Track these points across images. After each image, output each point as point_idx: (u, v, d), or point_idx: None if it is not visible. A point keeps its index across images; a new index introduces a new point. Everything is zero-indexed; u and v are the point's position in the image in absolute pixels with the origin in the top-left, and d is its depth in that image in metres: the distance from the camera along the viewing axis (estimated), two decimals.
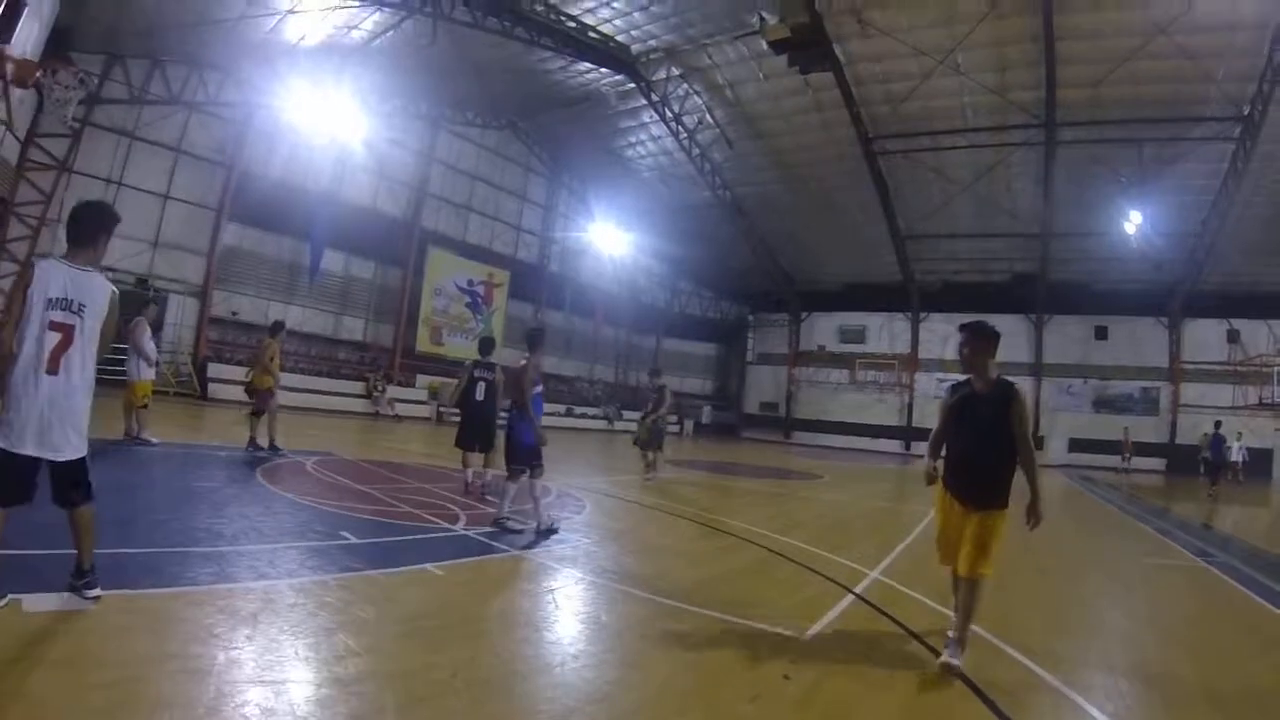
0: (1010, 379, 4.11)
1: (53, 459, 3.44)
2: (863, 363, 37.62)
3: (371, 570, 4.79)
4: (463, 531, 6.56)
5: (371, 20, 20.72)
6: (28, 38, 8.74)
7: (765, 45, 19.90)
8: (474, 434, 9.02)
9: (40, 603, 3.44)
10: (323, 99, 21.96)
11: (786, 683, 3.49)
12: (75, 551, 3.59)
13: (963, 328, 4.21)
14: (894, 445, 35.57)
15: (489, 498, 8.37)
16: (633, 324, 40.02)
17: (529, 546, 6.11)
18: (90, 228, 3.80)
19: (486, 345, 9.54)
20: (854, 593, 5.34)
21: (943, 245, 32.38)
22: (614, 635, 4.14)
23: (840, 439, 36.73)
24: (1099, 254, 29.92)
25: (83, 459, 3.58)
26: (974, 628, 3.97)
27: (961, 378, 4.22)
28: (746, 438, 39.16)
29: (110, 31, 18.94)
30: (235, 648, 3.27)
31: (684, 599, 4.75)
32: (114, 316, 3.71)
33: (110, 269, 20.23)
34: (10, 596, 3.41)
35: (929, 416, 34.19)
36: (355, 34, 21.32)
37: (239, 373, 18.90)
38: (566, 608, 4.64)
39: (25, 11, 8.56)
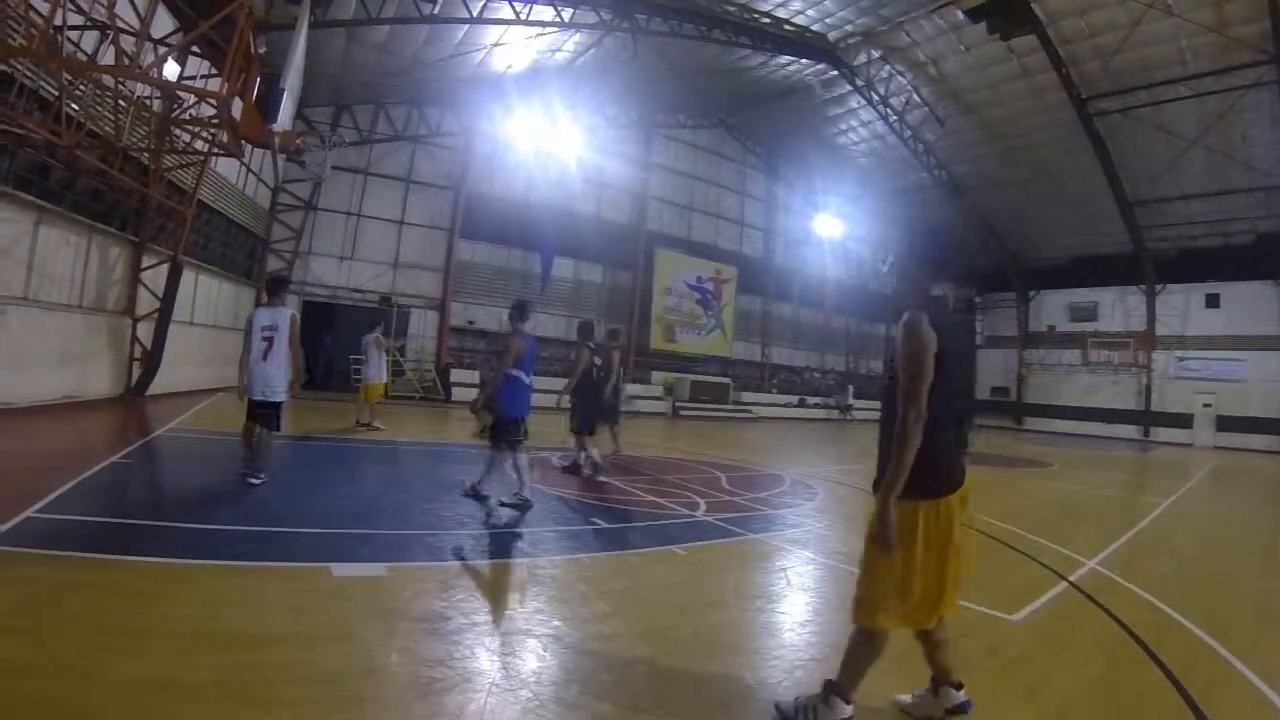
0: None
1: (264, 399, 7.02)
2: (1095, 342, 34.49)
3: (621, 551, 5.66)
4: (703, 517, 7.33)
5: (572, 41, 21.97)
6: (285, 112, 10.44)
7: (961, 15, 19.23)
8: (600, 414, 9.77)
9: (343, 569, 4.53)
10: (537, 119, 23.82)
11: (990, 657, 3.84)
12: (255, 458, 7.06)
13: None
14: (1130, 431, 32.62)
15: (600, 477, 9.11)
16: (861, 312, 39.34)
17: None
18: (277, 288, 7.66)
19: (590, 329, 10.04)
20: (1068, 580, 5.55)
21: (1174, 208, 29.09)
22: (838, 609, 4.48)
23: (1073, 425, 34.20)
24: None
25: (279, 403, 7.13)
26: (1180, 618, 3.97)
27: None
28: (977, 424, 37.45)
29: (337, 86, 21.74)
30: (510, 609, 4.18)
31: None
32: (296, 330, 7.18)
33: (358, 290, 23.55)
34: (322, 564, 4.58)
35: (1168, 399, 31.76)
36: (559, 56, 22.70)
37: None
38: (797, 584, 5.22)
39: (284, 95, 10.24)
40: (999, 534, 7.27)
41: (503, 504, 6.91)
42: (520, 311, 7.42)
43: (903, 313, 2.86)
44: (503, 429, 7.14)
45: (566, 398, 9.43)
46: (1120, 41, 21.01)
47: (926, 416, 2.74)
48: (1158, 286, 32.84)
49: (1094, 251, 33.75)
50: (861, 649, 2.95)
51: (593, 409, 9.69)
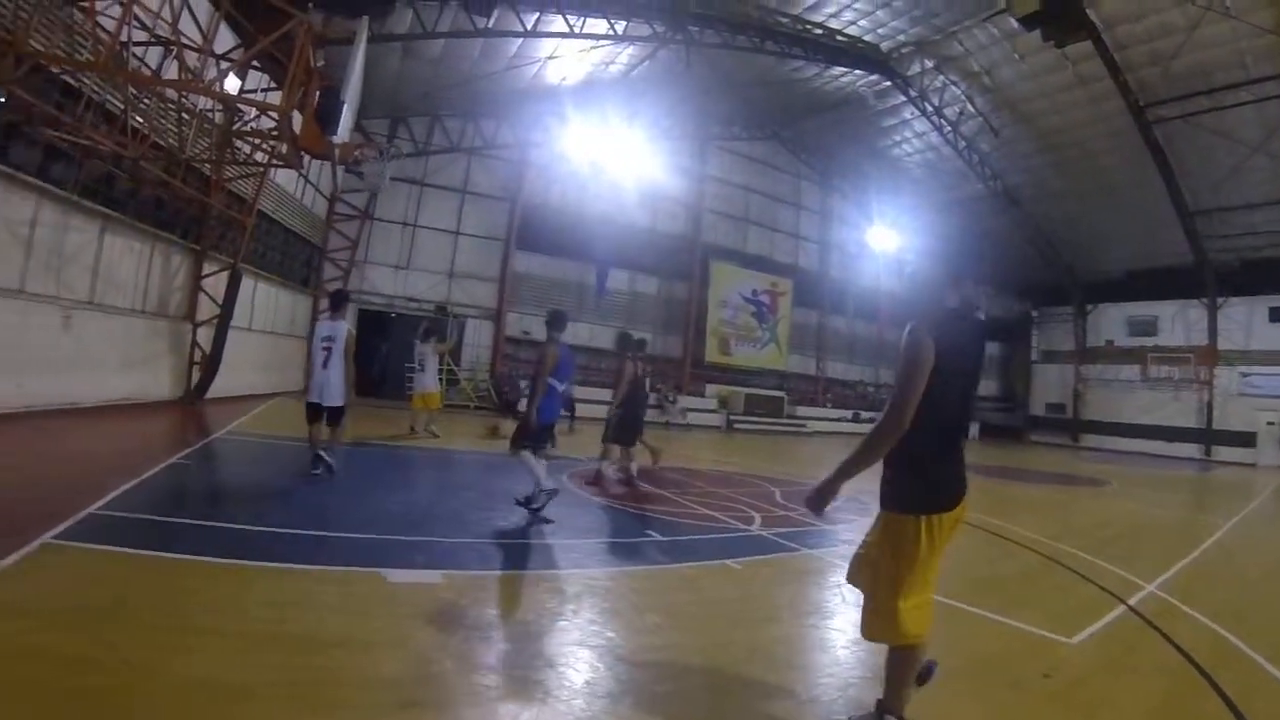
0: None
1: (326, 404, 7.83)
2: (1154, 357, 33.44)
3: (676, 564, 5.71)
4: (758, 532, 7.37)
5: (626, 54, 22.19)
6: (345, 125, 10.74)
7: (1015, 23, 18.96)
8: (640, 427, 9.88)
9: (399, 575, 4.64)
10: (592, 131, 24.07)
11: (1046, 680, 3.80)
12: (329, 442, 8.00)
13: None
14: (1191, 449, 31.44)
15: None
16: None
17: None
18: (338, 302, 8.41)
19: (630, 340, 10.34)
20: (1126, 604, 5.45)
21: (1237, 218, 27.97)
22: None
23: (1132, 442, 33.13)
24: None
25: (340, 407, 7.94)
26: (1242, 646, 3.87)
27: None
28: (1033, 441, 36.65)
29: (393, 98, 22.21)
30: (563, 619, 4.19)
31: (961, 599, 5.17)
32: (351, 343, 7.92)
33: (414, 299, 23.92)
34: (378, 569, 4.71)
35: (1231, 417, 30.73)
36: (613, 68, 22.96)
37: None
38: (852, 600, 5.17)
39: (344, 108, 10.54)
40: (1055, 554, 7.18)
41: (518, 503, 7.05)
42: (557, 321, 7.46)
43: (909, 322, 2.86)
44: (530, 434, 7.15)
45: (613, 410, 9.47)
46: (1178, 46, 20.40)
47: (915, 429, 2.76)
48: (1220, 299, 31.75)
49: (1153, 263, 32.76)
50: (901, 665, 2.97)
51: (632, 421, 9.76)
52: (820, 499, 2.92)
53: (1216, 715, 3.54)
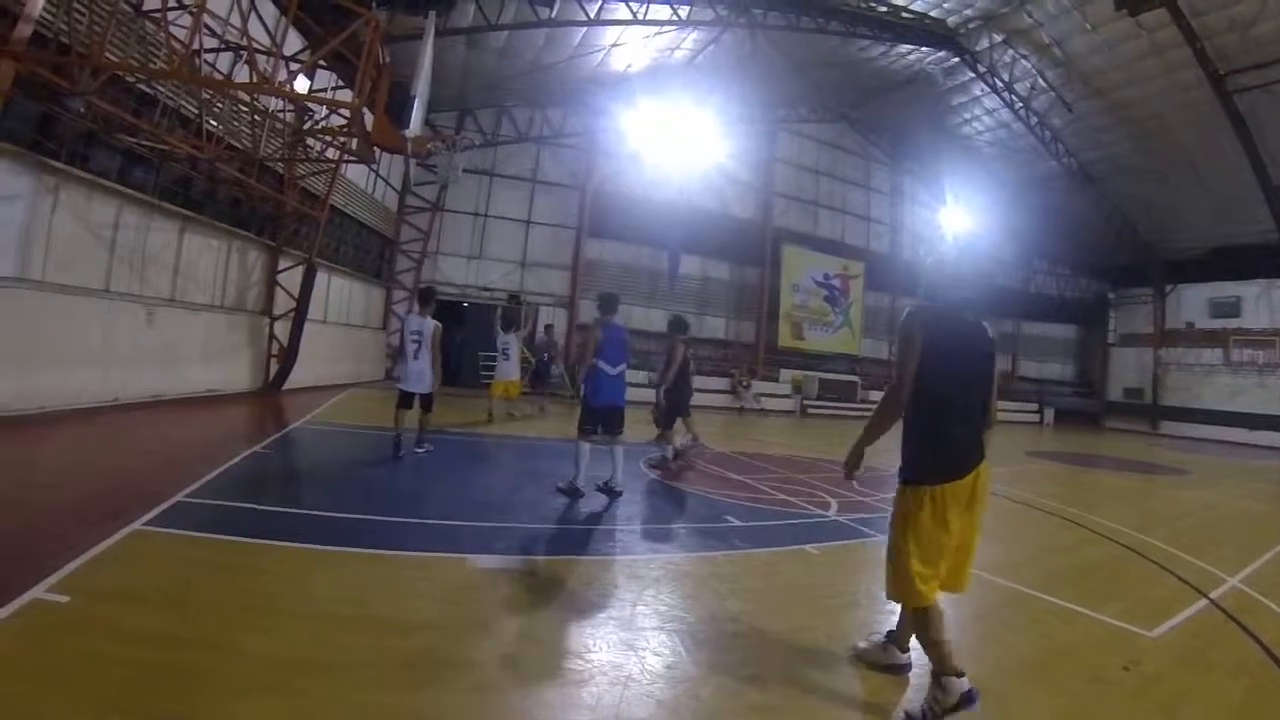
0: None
1: (419, 391, 8.79)
2: (1238, 340, 31.86)
3: (754, 549, 5.81)
4: (834, 517, 7.45)
5: (691, 39, 22.10)
6: (416, 119, 11.00)
7: None
8: (685, 409, 10.11)
9: (482, 561, 4.82)
10: (659, 117, 24.05)
11: (1125, 673, 3.80)
12: (422, 429, 9.08)
13: None
14: (1277, 438, 29.78)
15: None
16: (989, 308, 37.58)
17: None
18: (426, 299, 9.16)
19: (682, 325, 10.20)
20: (1208, 597, 5.39)
21: None
22: (974, 616, 4.61)
23: (1213, 429, 31.60)
24: None
25: (430, 394, 8.85)
26: None
27: None
28: (1109, 427, 35.44)
29: (459, 91, 22.50)
30: (643, 603, 4.29)
31: (1040, 588, 5.22)
32: (437, 336, 8.81)
33: (487, 288, 24.28)
34: (460, 555, 4.91)
35: None
36: (678, 54, 22.88)
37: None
38: None
39: (415, 102, 10.79)
40: (1136, 545, 7.09)
41: (598, 489, 7.29)
42: (606, 304, 7.64)
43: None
44: (583, 417, 7.39)
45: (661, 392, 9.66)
46: (1258, 11, 19.31)
47: (915, 409, 3.22)
48: None
49: (1236, 241, 31.17)
50: (927, 628, 3.20)
51: (677, 405, 9.97)
52: (850, 466, 3.52)
53: None
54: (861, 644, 3.80)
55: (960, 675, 3.10)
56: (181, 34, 10.29)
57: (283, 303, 15.88)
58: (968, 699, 3.04)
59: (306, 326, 15.95)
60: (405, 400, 8.80)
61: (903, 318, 3.28)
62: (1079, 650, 4.16)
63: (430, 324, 8.81)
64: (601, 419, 7.38)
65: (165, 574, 4.05)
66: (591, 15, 18.23)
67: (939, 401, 3.19)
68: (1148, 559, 6.54)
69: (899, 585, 3.25)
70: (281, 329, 15.80)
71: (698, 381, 12.58)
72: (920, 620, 3.22)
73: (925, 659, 3.30)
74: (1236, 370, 32.17)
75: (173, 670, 2.94)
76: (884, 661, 3.63)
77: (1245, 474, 17.55)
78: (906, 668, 3.58)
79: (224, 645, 3.21)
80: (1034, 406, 35.84)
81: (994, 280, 33.28)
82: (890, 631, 3.71)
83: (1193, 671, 3.97)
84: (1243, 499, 12.62)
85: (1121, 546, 6.99)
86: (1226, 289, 32.95)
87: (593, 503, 7.03)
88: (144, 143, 11.07)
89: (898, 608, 3.61)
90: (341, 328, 19.83)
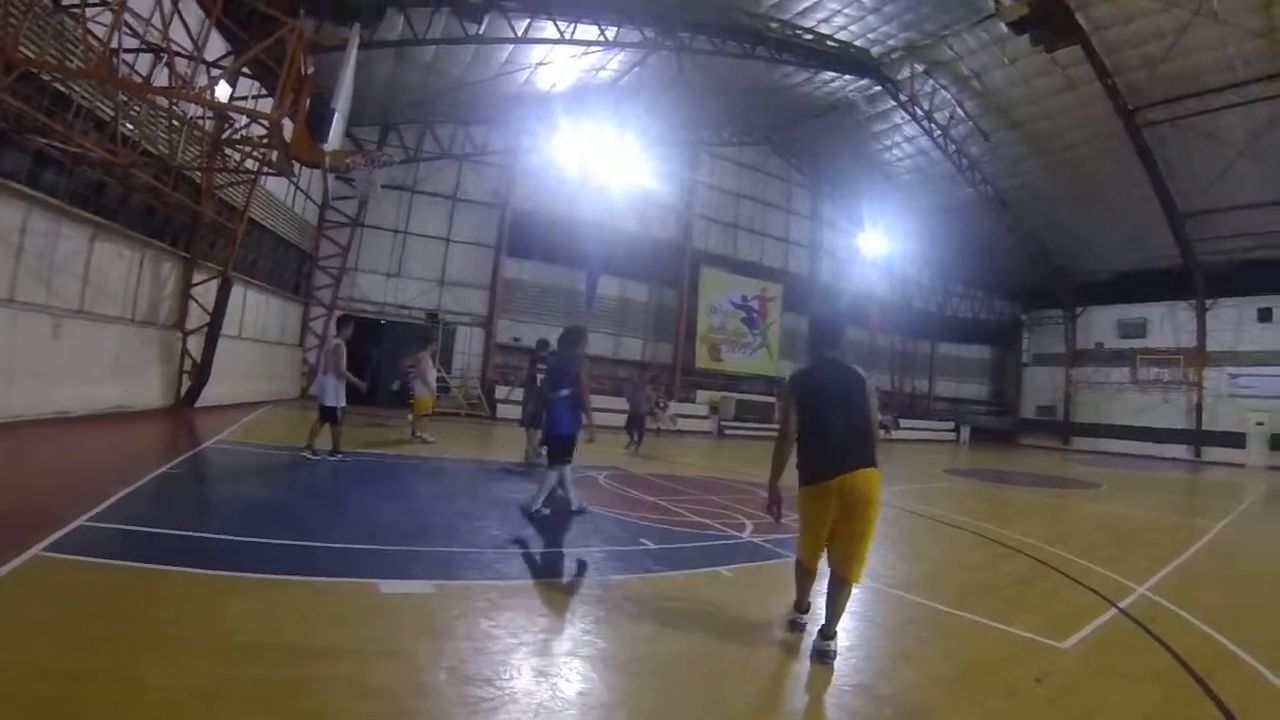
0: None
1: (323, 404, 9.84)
2: (1144, 359, 33.71)
3: (669, 571, 5.67)
4: (749, 538, 7.37)
5: (616, 60, 22.18)
6: (335, 132, 10.74)
7: (1005, 27, 19.12)
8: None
9: (392, 586, 4.60)
10: (582, 137, 24.08)
11: (1038, 685, 3.81)
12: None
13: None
14: (1181, 450, 31.75)
15: None
16: (906, 330, 38.81)
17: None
18: (340, 324, 10.13)
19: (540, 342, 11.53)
20: (1118, 607, 5.47)
21: (1225, 220, 28.15)
22: (887, 634, 4.66)
23: (1122, 444, 33.44)
24: None
25: (328, 406, 9.78)
26: (1236, 650, 3.97)
27: None
28: (1023, 444, 36.85)
29: (384, 105, 22.23)
30: (555, 629, 4.18)
31: (953, 604, 5.22)
32: (338, 353, 9.78)
33: (405, 307, 23.87)
34: (370, 580, 4.70)
35: (1220, 418, 31.03)
36: (603, 74, 22.93)
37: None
38: (846, 608, 5.22)
39: (335, 115, 10.53)
40: (1047, 558, 7.19)
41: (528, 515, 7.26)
42: (575, 339, 7.90)
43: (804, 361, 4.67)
44: (566, 445, 7.62)
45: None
46: (1166, 50, 20.53)
47: (800, 437, 4.26)
48: (1208, 301, 32.07)
49: (1143, 266, 33.05)
50: (802, 576, 4.51)
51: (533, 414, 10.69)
52: (773, 502, 4.41)
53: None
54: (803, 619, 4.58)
55: (804, 612, 4.54)
56: (100, 32, 9.87)
57: (197, 317, 15.21)
58: (796, 625, 4.48)
59: (221, 342, 15.35)
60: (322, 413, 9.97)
61: (782, 384, 4.40)
62: (992, 664, 4.14)
63: (331, 342, 10.05)
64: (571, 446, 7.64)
65: (64, 603, 3.81)
66: (519, 33, 18.15)
67: (815, 432, 4.22)
68: (1059, 571, 6.63)
69: (798, 550, 4.45)
70: (195, 344, 15.14)
71: (608, 401, 12.69)
72: (800, 573, 4.49)
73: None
74: (1143, 387, 34.01)
75: (71, 704, 2.75)
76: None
77: (1153, 485, 18.28)
78: (829, 654, 4.03)
79: (124, 677, 3.00)
80: (950, 425, 37.09)
81: (855, 338, 34.51)
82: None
83: (1105, 681, 3.98)
84: (1151, 510, 13.07)
85: (1034, 560, 7.08)
86: (1133, 311, 34.89)
87: (507, 526, 6.81)
88: (56, 144, 10.47)
89: (811, 626, 4.35)
90: (257, 344, 19.13)
